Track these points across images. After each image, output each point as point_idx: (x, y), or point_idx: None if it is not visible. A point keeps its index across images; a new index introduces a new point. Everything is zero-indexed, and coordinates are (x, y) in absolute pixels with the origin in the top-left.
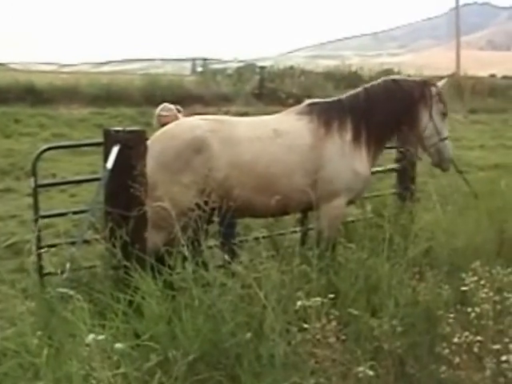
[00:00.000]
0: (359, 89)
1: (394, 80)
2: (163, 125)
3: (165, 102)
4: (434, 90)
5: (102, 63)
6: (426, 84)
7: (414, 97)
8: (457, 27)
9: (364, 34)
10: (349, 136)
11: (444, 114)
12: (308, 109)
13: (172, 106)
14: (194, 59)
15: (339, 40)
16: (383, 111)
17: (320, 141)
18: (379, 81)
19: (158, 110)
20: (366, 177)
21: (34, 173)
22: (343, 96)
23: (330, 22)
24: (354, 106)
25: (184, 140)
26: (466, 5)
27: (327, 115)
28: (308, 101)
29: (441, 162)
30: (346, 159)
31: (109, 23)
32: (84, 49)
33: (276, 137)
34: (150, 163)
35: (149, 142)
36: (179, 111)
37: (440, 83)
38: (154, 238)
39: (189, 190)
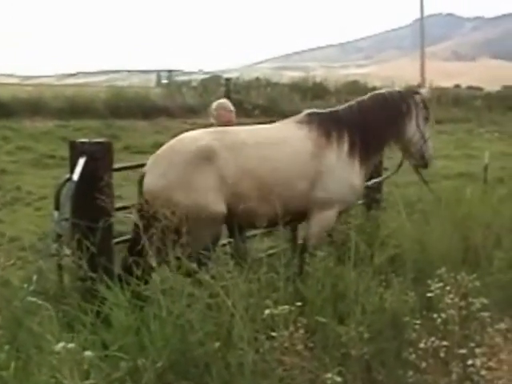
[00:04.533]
0: (352, 102)
1: (381, 94)
2: (224, 120)
3: (131, 114)
4: (418, 97)
5: (66, 75)
6: (410, 94)
7: (401, 109)
8: (422, 38)
9: (330, 44)
10: (346, 147)
11: (427, 119)
12: (308, 118)
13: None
14: (159, 71)
15: (305, 51)
16: (374, 125)
17: (320, 150)
18: (369, 95)
19: (221, 105)
20: (359, 189)
21: None
22: (340, 107)
23: (296, 33)
24: (349, 118)
25: (190, 152)
26: (430, 16)
27: (327, 125)
28: (307, 110)
29: (422, 161)
30: (344, 170)
31: (73, 35)
32: (48, 61)
33: (278, 144)
34: (159, 182)
35: (150, 163)
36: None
37: (423, 90)
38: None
39: (209, 195)
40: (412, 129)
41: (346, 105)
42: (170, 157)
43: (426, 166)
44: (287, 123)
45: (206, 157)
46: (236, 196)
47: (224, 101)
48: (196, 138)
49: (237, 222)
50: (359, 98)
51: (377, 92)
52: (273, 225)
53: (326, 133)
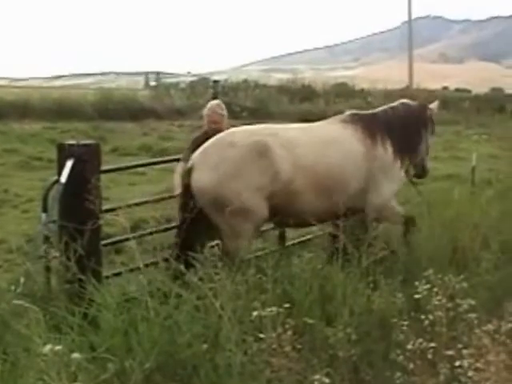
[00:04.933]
0: (385, 107)
1: (409, 104)
2: (215, 123)
3: (119, 116)
4: (429, 112)
5: (54, 77)
6: (425, 108)
7: (423, 121)
8: (409, 40)
9: (317, 47)
10: (390, 149)
11: (432, 133)
12: (351, 118)
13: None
14: (147, 73)
15: (293, 53)
16: (406, 131)
17: (370, 151)
18: (399, 102)
19: (210, 105)
20: (399, 189)
21: None
22: (376, 111)
23: (284, 35)
24: (386, 121)
25: (245, 145)
26: (418, 18)
27: (370, 127)
28: (349, 111)
29: (422, 172)
30: (392, 171)
31: (61, 37)
32: (36, 63)
33: (330, 143)
34: (210, 176)
35: (197, 157)
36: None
37: (433, 106)
38: (234, 246)
39: (257, 195)
40: (424, 140)
41: (381, 109)
42: (222, 150)
43: (424, 176)
44: (332, 123)
45: (262, 152)
46: (289, 193)
47: (216, 102)
48: (249, 132)
49: (285, 219)
50: (391, 104)
51: (404, 101)
52: (319, 222)
53: (371, 134)
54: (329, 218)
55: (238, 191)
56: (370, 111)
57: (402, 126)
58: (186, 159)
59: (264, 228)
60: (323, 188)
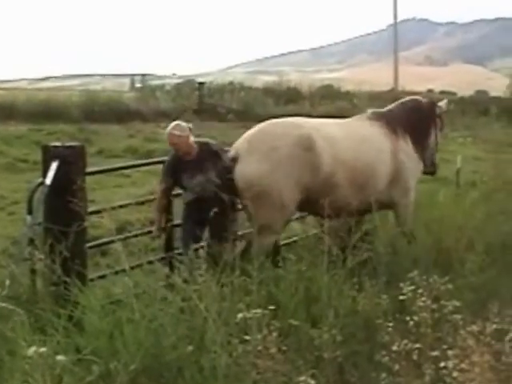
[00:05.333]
0: (396, 103)
1: (418, 100)
2: (174, 144)
3: (104, 118)
4: (438, 109)
5: (40, 79)
6: (434, 105)
7: (432, 116)
8: (395, 43)
9: (303, 49)
10: (409, 140)
11: (441, 130)
12: (375, 116)
13: (185, 125)
14: (132, 75)
15: (278, 55)
16: (419, 125)
17: (394, 146)
18: (409, 98)
19: (169, 128)
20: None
21: None
22: (390, 108)
23: (269, 38)
24: (401, 117)
25: (293, 137)
26: (404, 21)
27: (393, 123)
28: (370, 110)
29: (432, 168)
30: (414, 160)
31: (47, 39)
32: (21, 64)
33: (363, 140)
34: (257, 168)
35: (241, 149)
36: (190, 129)
37: (442, 103)
38: (265, 241)
39: (296, 188)
40: (433, 136)
41: (393, 105)
42: (269, 142)
43: (434, 172)
44: (359, 120)
45: (307, 146)
46: (328, 186)
47: (174, 124)
48: (292, 125)
49: (320, 211)
50: (402, 100)
51: (414, 97)
52: (348, 216)
53: (393, 130)
54: (358, 211)
55: (283, 184)
56: (386, 108)
57: (415, 120)
58: (164, 183)
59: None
60: (358, 183)
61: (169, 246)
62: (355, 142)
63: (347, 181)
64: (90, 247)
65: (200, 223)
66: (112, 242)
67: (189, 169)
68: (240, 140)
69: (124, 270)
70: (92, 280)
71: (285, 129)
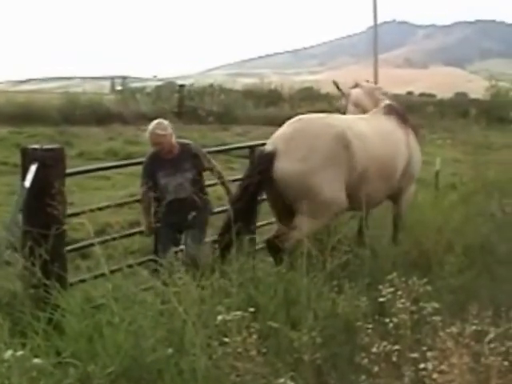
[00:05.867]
0: (387, 101)
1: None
2: (157, 144)
3: (85, 120)
4: None
5: (20, 82)
6: None
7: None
8: (375, 45)
9: (283, 51)
10: (411, 132)
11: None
12: (389, 110)
13: (167, 123)
14: (113, 77)
15: (259, 58)
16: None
17: (406, 137)
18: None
19: (151, 127)
20: None
21: None
22: (388, 103)
23: (250, 40)
24: (403, 110)
25: (331, 136)
26: (384, 23)
27: (401, 115)
28: (383, 103)
29: None
30: (418, 150)
31: (26, 41)
32: (1, 67)
33: (386, 134)
34: (298, 167)
35: (281, 145)
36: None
37: None
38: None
39: (339, 184)
40: None
41: (388, 102)
42: (308, 141)
43: None
44: (377, 114)
45: (345, 144)
46: (362, 181)
47: (156, 122)
48: (326, 122)
49: (353, 205)
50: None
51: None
52: (374, 206)
53: (404, 122)
54: (381, 202)
55: (325, 182)
56: (387, 102)
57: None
58: (144, 184)
59: None
60: (385, 175)
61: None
62: (381, 136)
63: (377, 175)
64: (70, 250)
65: (177, 226)
66: (91, 245)
67: (166, 167)
68: (276, 139)
69: (104, 274)
70: (71, 285)
71: (320, 128)
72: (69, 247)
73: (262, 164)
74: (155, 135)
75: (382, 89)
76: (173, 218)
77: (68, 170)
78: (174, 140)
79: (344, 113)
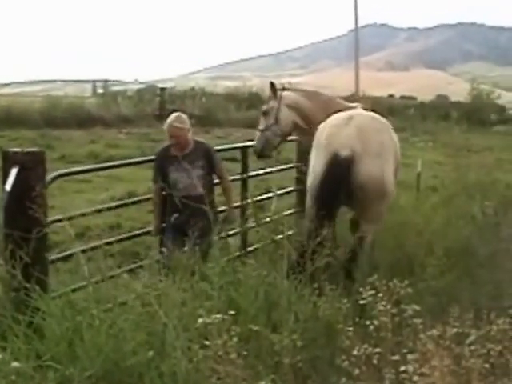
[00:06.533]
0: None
1: None
2: (174, 137)
3: (66, 124)
4: None
5: (1, 85)
6: None
7: None
8: (356, 48)
9: (264, 54)
10: None
11: None
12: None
13: (186, 117)
14: (94, 81)
15: (240, 61)
16: None
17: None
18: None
19: (170, 119)
20: None
21: None
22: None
23: (231, 43)
24: None
25: (390, 131)
26: (365, 26)
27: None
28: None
29: None
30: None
31: (8, 44)
32: None
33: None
34: (376, 165)
35: (356, 145)
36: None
37: None
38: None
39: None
40: None
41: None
42: (376, 136)
43: None
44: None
45: (396, 138)
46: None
47: (175, 115)
48: (372, 116)
49: None
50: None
51: None
52: None
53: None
54: None
55: (393, 176)
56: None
57: None
58: (156, 181)
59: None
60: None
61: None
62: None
63: (397, 166)
64: (52, 261)
65: (183, 227)
66: (72, 255)
67: (178, 162)
68: (344, 141)
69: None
70: (53, 292)
71: (381, 122)
72: (51, 257)
73: (339, 170)
74: (173, 128)
75: (321, 93)
76: (180, 218)
77: (65, 171)
78: (190, 136)
79: (277, 116)
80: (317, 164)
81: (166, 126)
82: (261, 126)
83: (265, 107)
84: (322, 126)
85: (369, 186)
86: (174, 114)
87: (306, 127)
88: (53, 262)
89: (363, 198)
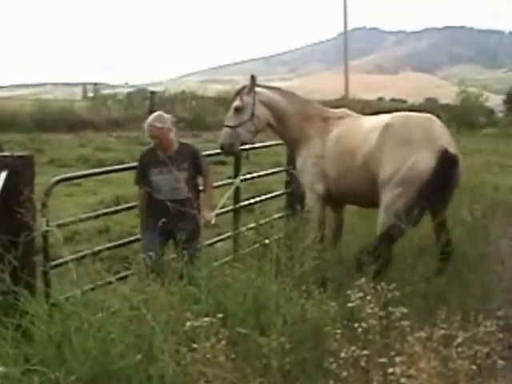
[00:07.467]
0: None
1: None
2: (154, 137)
3: (56, 127)
4: None
5: None
6: None
7: None
8: (345, 52)
9: (254, 58)
10: None
11: None
12: None
13: (168, 117)
14: (84, 84)
15: (230, 64)
16: None
17: None
18: None
19: (150, 119)
20: None
21: None
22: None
23: (221, 47)
24: None
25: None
26: (354, 29)
27: None
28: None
29: None
30: None
31: None
32: None
33: None
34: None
35: (452, 147)
36: (172, 122)
37: None
38: None
39: None
40: None
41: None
42: (448, 133)
43: None
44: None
45: None
46: None
47: (156, 115)
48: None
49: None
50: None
51: None
52: None
53: None
54: None
55: None
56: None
57: None
58: (140, 184)
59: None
60: None
61: None
62: None
63: None
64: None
65: (166, 232)
66: (66, 262)
67: (161, 164)
68: (447, 137)
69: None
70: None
71: (438, 121)
72: (44, 269)
73: (450, 167)
74: (152, 127)
75: (298, 95)
76: (167, 222)
77: (66, 175)
78: (172, 136)
79: (253, 112)
80: (416, 159)
81: (145, 125)
82: (231, 123)
83: (238, 103)
84: (396, 120)
85: (458, 184)
86: (155, 114)
87: (276, 128)
88: (46, 272)
89: (451, 194)
